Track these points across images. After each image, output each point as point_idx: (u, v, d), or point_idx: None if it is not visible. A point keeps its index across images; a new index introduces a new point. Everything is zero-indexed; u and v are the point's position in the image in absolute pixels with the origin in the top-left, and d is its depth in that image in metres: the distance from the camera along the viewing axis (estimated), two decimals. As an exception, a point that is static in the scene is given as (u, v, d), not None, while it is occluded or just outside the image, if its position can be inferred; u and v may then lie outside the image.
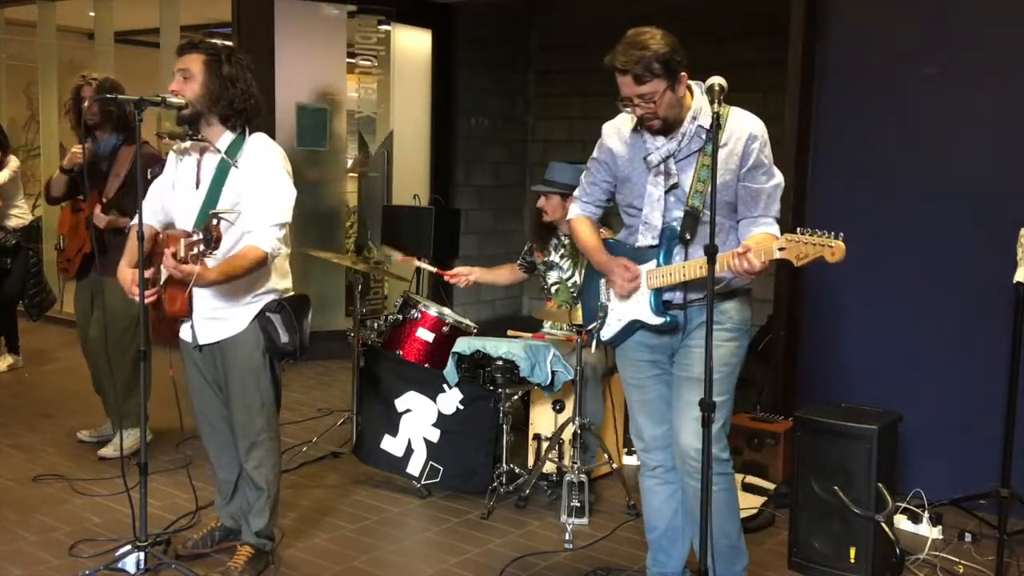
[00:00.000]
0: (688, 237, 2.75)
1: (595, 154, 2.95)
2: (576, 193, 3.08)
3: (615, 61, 2.63)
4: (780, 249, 2.52)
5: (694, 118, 2.72)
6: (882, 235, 4.20)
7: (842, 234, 2.44)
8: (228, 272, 2.99)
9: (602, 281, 3.01)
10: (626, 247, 2.91)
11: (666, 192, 2.76)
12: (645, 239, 2.82)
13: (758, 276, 2.64)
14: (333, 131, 6.73)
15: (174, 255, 2.85)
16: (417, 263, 4.90)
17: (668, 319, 2.81)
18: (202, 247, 2.80)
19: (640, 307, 2.86)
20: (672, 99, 2.66)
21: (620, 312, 2.93)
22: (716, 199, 2.67)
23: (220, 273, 2.97)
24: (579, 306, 3.84)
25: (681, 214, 2.76)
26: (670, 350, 2.90)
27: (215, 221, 2.80)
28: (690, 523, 2.98)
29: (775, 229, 2.75)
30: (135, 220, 3.16)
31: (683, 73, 2.65)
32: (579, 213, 3.05)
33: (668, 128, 2.72)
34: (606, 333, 3.00)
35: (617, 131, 2.87)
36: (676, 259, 2.78)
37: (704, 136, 2.71)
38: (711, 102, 2.51)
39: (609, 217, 3.20)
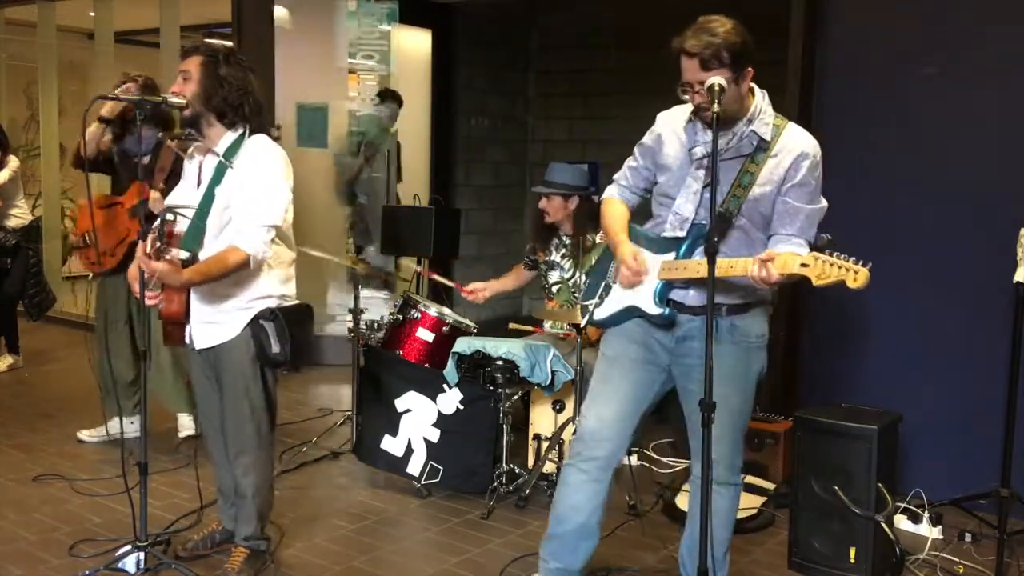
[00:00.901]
0: (716, 239, 2.67)
1: (644, 140, 2.87)
2: (616, 176, 3.00)
3: (684, 44, 2.55)
4: (803, 265, 2.46)
5: (750, 121, 2.65)
6: (882, 235, 4.20)
7: (870, 263, 2.39)
8: (205, 272, 3.00)
9: (615, 262, 2.92)
10: (649, 237, 2.84)
11: (703, 187, 2.70)
12: (673, 230, 2.75)
13: (771, 287, 2.58)
14: (334, 130, 6.72)
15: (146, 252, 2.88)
16: (436, 278, 4.88)
17: (667, 312, 2.75)
18: (159, 243, 2.81)
19: (643, 295, 2.79)
20: (734, 94, 2.57)
21: (622, 296, 2.87)
22: (751, 208, 2.66)
23: (195, 272, 2.98)
24: (578, 308, 3.83)
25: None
26: (665, 351, 2.83)
27: (170, 216, 2.82)
28: (690, 517, 2.95)
29: (804, 252, 2.66)
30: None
31: (749, 69, 2.58)
32: (613, 195, 2.95)
33: (723, 124, 2.62)
34: (601, 312, 2.93)
35: (670, 119, 2.81)
36: (696, 257, 2.72)
37: (755, 143, 2.65)
38: (710, 102, 2.45)
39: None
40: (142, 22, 8.10)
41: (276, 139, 3.22)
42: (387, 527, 3.85)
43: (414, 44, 7.30)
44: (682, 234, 2.74)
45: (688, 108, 2.73)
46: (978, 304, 3.97)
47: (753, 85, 2.66)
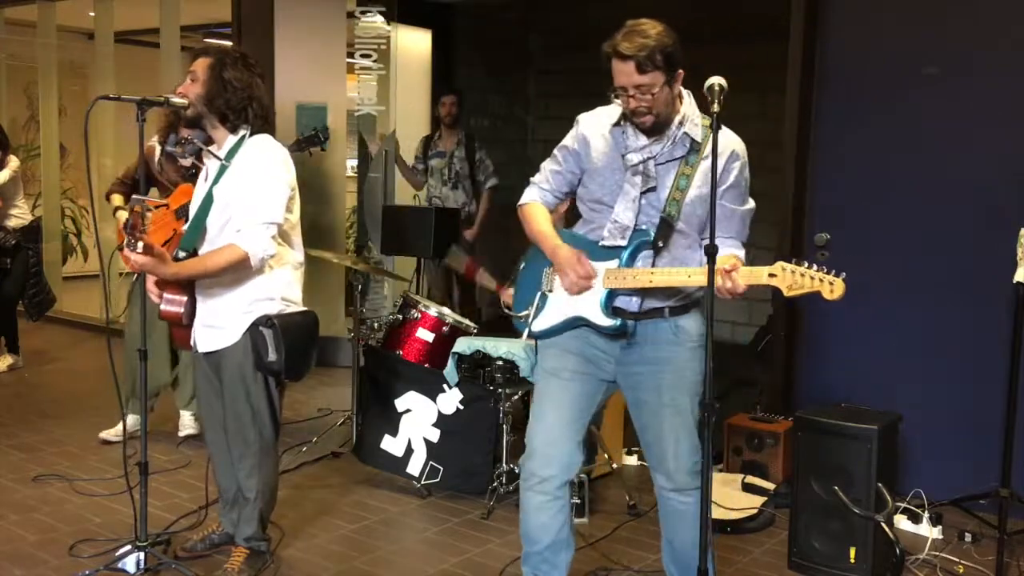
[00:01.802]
0: (661, 244, 2.66)
1: (567, 142, 2.79)
2: (535, 179, 2.88)
3: (617, 47, 2.53)
4: (771, 275, 2.43)
5: (681, 124, 2.64)
6: (882, 235, 4.20)
7: (844, 273, 2.36)
8: (199, 266, 3.01)
9: (546, 270, 2.85)
10: (586, 242, 2.74)
11: (642, 194, 2.67)
12: (613, 239, 2.69)
13: (737, 298, 2.52)
14: (333, 130, 6.71)
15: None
16: (480, 280, 4.83)
17: (619, 322, 2.67)
18: (127, 236, 2.82)
19: (589, 305, 2.71)
20: (668, 96, 2.57)
21: (563, 306, 2.76)
22: (689, 211, 2.63)
23: (184, 266, 3.00)
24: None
25: (655, 220, 2.66)
26: (610, 360, 2.77)
27: (137, 208, 2.83)
28: (664, 529, 2.89)
29: (742, 253, 2.67)
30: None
31: (680, 71, 2.57)
32: (535, 199, 2.86)
33: (656, 128, 2.63)
34: (540, 324, 2.81)
35: (596, 121, 2.75)
36: (638, 264, 2.68)
37: (688, 145, 2.64)
38: (711, 102, 2.40)
39: None
40: (142, 22, 8.09)
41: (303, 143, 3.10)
42: (387, 527, 3.85)
43: (414, 44, 7.30)
44: (623, 242, 2.68)
45: (613, 110, 2.71)
46: (978, 304, 3.97)
47: (682, 89, 2.64)
